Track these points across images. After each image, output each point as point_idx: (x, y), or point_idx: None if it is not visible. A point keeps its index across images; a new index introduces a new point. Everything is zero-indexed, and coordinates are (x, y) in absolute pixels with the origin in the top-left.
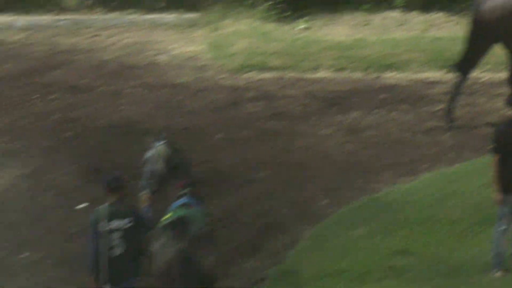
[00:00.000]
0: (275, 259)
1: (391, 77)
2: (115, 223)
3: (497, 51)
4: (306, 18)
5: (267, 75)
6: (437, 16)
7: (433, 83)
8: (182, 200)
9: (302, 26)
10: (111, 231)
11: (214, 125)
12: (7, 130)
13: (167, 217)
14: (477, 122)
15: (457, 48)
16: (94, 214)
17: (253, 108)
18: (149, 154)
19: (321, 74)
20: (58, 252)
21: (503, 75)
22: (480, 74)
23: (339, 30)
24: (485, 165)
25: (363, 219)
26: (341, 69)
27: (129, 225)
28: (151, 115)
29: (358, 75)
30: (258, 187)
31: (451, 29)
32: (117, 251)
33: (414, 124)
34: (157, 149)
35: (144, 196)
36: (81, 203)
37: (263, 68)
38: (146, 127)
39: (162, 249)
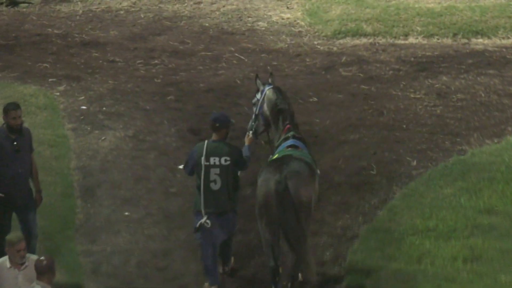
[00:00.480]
0: (366, 217)
1: (479, 42)
2: (213, 160)
3: None
4: None
5: (360, 40)
6: None
7: None
8: (289, 142)
9: None
10: (209, 166)
11: (309, 89)
12: (112, 93)
13: (275, 157)
14: None
15: None
16: (196, 148)
17: (346, 73)
18: (257, 97)
19: (412, 40)
20: (158, 211)
21: None
22: None
23: None
24: None
25: (450, 179)
26: (431, 35)
27: (226, 163)
28: (249, 78)
29: (447, 41)
30: (350, 148)
31: None
32: (215, 186)
33: (501, 88)
34: (265, 92)
35: (247, 136)
36: (181, 163)
37: (357, 34)
38: (243, 91)
39: (264, 183)
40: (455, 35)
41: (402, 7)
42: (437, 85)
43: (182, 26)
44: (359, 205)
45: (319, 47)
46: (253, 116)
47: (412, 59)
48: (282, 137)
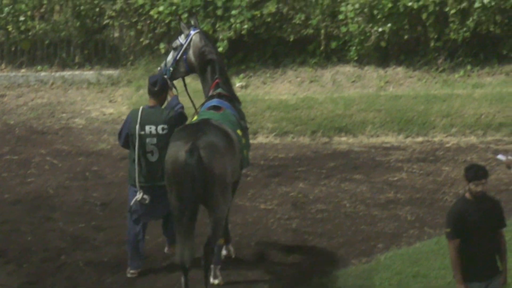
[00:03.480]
0: None
1: (343, 141)
2: (149, 128)
3: (465, 112)
4: (243, 74)
5: None
6: (395, 72)
7: (391, 149)
8: (213, 102)
9: (239, 84)
10: (145, 136)
11: None
12: None
13: (194, 119)
14: (441, 194)
15: (419, 108)
16: (130, 115)
17: None
18: (179, 41)
19: (261, 139)
20: None
21: (470, 139)
22: (445, 138)
23: (282, 87)
24: None
25: None
26: (285, 133)
27: (164, 132)
28: (65, 187)
29: (304, 139)
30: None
31: (411, 86)
32: (152, 158)
33: (369, 196)
34: (191, 37)
35: (170, 90)
36: None
37: None
38: (58, 202)
39: (174, 151)
40: (313, 132)
41: (249, 99)
42: (292, 194)
43: None
44: None
45: None
46: (172, 61)
47: (262, 162)
48: (210, 93)
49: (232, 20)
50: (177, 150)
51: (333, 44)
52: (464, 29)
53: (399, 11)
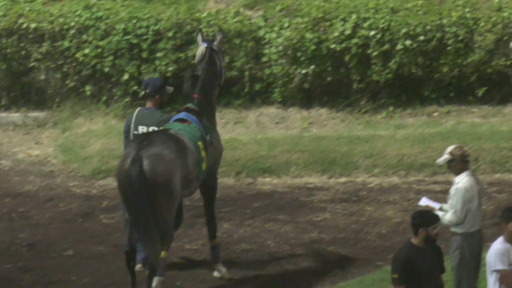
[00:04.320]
0: None
1: (267, 182)
2: (141, 129)
3: (388, 153)
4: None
5: None
6: (319, 113)
7: (314, 189)
8: (180, 115)
9: None
10: None
11: (64, 240)
12: None
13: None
14: (364, 234)
15: (342, 149)
16: (129, 115)
17: (108, 220)
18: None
19: None
20: None
21: (393, 179)
22: (368, 178)
23: None
24: (375, 281)
25: None
26: None
27: None
28: None
29: (229, 180)
30: None
31: (334, 127)
32: None
33: (294, 236)
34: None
35: None
36: None
37: None
38: None
39: (122, 158)
40: (238, 173)
41: None
42: (217, 234)
43: None
44: None
45: (75, 189)
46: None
47: (188, 202)
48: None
49: (157, 62)
50: (124, 159)
51: (257, 86)
52: (387, 71)
53: (322, 53)
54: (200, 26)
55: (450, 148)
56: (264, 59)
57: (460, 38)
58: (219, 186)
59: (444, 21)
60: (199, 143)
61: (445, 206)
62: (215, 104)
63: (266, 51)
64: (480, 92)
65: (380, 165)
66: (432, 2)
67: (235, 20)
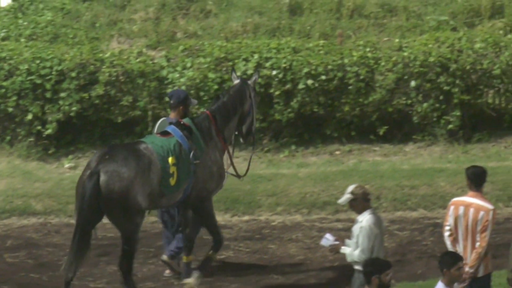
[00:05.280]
0: None
1: None
2: None
3: (291, 191)
4: (72, 155)
5: (29, 220)
6: None
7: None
8: (169, 127)
9: (68, 165)
10: None
11: None
12: None
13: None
14: (268, 271)
15: (245, 187)
16: (156, 124)
17: (12, 259)
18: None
19: None
20: None
21: (296, 217)
22: (271, 216)
23: None
24: None
25: None
26: None
27: None
28: None
29: None
30: None
31: (237, 166)
32: None
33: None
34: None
35: None
36: None
37: (24, 212)
38: None
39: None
40: None
41: (77, 180)
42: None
43: None
44: None
45: None
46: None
47: (91, 241)
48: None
49: (61, 102)
50: (84, 170)
51: None
52: (289, 110)
53: None
54: (103, 67)
55: (351, 188)
56: (167, 99)
57: (361, 77)
58: None
59: (346, 60)
60: (170, 158)
61: (349, 242)
62: (232, 130)
63: (169, 90)
64: (381, 131)
65: (283, 203)
66: (334, 42)
67: (138, 60)
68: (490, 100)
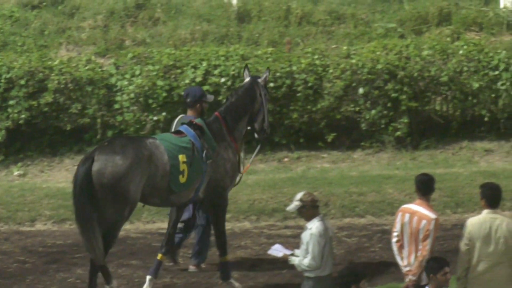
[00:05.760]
0: None
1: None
2: None
3: (239, 198)
4: (21, 163)
5: None
6: None
7: None
8: (182, 127)
9: (17, 173)
10: None
11: None
12: None
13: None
14: (217, 278)
15: None
16: (174, 121)
17: None
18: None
19: (40, 226)
20: None
21: (244, 225)
22: None
23: (60, 176)
24: None
25: None
26: (62, 220)
27: None
28: None
29: None
30: None
31: None
32: None
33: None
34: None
35: None
36: None
37: None
38: None
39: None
40: None
41: (27, 187)
42: (70, 279)
43: None
44: None
45: None
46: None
47: (41, 249)
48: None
49: (9, 110)
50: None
51: (110, 133)
52: None
53: (174, 100)
54: (52, 74)
55: (299, 195)
56: (116, 106)
57: (309, 84)
58: (72, 232)
59: (294, 68)
60: (181, 156)
61: (297, 251)
62: (243, 130)
63: (118, 98)
64: (330, 138)
65: (232, 210)
66: (282, 50)
67: (87, 67)
68: (437, 107)
